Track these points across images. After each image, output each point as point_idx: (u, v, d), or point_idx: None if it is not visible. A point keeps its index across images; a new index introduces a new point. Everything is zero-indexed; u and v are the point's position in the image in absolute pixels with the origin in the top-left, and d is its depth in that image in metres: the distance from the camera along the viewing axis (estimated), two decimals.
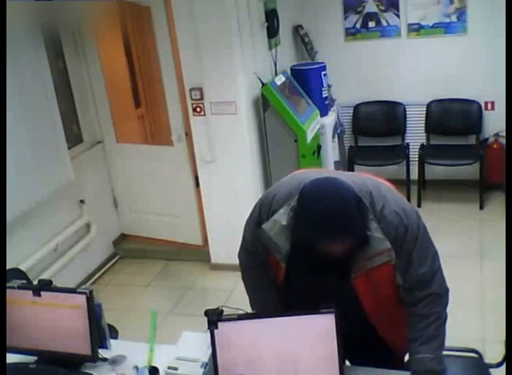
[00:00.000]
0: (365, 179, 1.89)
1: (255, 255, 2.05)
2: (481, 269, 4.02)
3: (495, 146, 5.09)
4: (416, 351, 1.86)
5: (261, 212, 1.94)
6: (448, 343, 2.50)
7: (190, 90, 4.10)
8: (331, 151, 4.79)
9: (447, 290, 1.91)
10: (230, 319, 1.88)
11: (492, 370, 2.37)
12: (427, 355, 1.83)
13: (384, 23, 5.17)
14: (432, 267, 1.85)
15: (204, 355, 1.97)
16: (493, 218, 4.71)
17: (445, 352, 2.37)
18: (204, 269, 4.58)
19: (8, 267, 2.72)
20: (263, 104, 4.19)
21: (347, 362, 2.11)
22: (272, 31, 4.47)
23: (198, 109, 4.13)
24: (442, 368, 1.85)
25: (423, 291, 1.85)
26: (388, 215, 1.78)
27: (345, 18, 5.26)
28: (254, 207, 2.02)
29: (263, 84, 4.14)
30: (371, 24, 5.20)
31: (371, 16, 5.18)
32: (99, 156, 4.80)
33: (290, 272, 1.94)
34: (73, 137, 4.54)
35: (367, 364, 2.02)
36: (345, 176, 1.82)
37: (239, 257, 2.17)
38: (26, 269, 3.52)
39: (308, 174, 1.89)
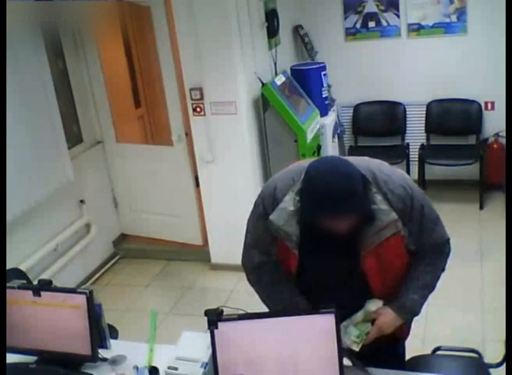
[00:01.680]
0: (366, 159, 1.97)
1: (264, 252, 2.04)
2: (481, 269, 4.01)
3: (495, 146, 5.09)
4: (410, 291, 1.95)
5: (265, 206, 1.94)
6: (448, 343, 2.51)
7: (190, 90, 4.10)
8: (331, 151, 4.79)
9: (448, 239, 2.01)
10: (230, 319, 1.88)
11: (492, 370, 2.37)
12: (418, 299, 1.95)
13: (384, 23, 5.17)
14: (440, 231, 1.97)
15: (204, 355, 1.97)
16: (493, 218, 4.71)
17: (445, 352, 2.38)
18: (204, 269, 4.58)
19: (8, 267, 2.72)
20: (263, 104, 4.19)
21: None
22: (272, 31, 4.47)
23: (198, 109, 4.13)
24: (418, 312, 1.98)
25: (434, 252, 1.97)
26: (394, 189, 1.85)
27: (345, 18, 5.26)
28: (255, 204, 2.02)
29: (263, 84, 4.14)
30: (371, 24, 5.20)
31: (371, 16, 5.18)
32: (99, 156, 4.80)
33: (302, 258, 1.94)
34: (73, 137, 4.54)
35: (368, 362, 2.03)
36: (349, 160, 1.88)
37: (244, 258, 2.13)
38: (26, 269, 3.52)
39: (306, 162, 1.92)
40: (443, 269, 2.02)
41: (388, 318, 1.95)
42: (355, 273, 1.94)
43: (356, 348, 1.93)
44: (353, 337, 1.92)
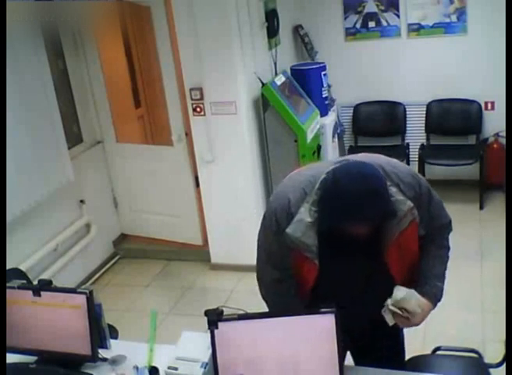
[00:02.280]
0: (370, 155, 1.98)
1: (278, 267, 2.00)
2: (481, 269, 4.01)
3: (495, 146, 5.09)
4: (435, 279, 2.01)
5: (278, 220, 1.91)
6: (448, 343, 2.51)
7: (190, 90, 4.10)
8: (331, 151, 4.79)
9: (451, 220, 2.09)
10: (230, 319, 1.88)
11: (492, 370, 2.37)
12: (441, 286, 2.02)
13: (384, 23, 5.17)
14: (445, 213, 2.06)
15: (204, 355, 1.97)
16: (493, 218, 4.71)
17: (445, 352, 2.38)
18: (204, 269, 4.58)
19: (8, 267, 2.72)
20: (263, 104, 4.19)
21: (349, 355, 2.12)
22: (272, 31, 4.47)
23: (198, 109, 4.13)
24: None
25: (441, 234, 2.06)
26: (403, 178, 1.89)
27: (345, 18, 5.26)
28: (265, 218, 1.99)
29: (263, 84, 4.14)
30: (371, 24, 5.20)
31: (371, 16, 5.18)
32: (99, 156, 4.80)
33: (323, 267, 1.94)
34: (73, 137, 4.54)
35: (370, 361, 2.03)
36: (353, 157, 1.90)
37: (259, 274, 2.09)
38: (26, 269, 3.52)
39: (311, 170, 1.94)
40: (449, 247, 2.09)
41: (428, 310, 1.99)
42: (378, 266, 1.96)
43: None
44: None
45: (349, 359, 2.27)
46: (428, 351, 2.51)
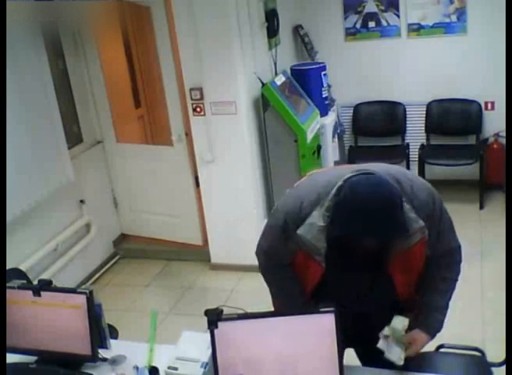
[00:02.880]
0: (384, 166, 1.96)
1: (273, 258, 2.05)
2: (481, 269, 4.01)
3: (495, 146, 5.09)
4: (436, 312, 2.01)
5: (288, 220, 1.92)
6: (449, 342, 2.51)
7: (190, 90, 4.10)
8: (331, 151, 4.79)
9: (460, 246, 2.08)
10: (230, 319, 1.88)
11: (494, 369, 2.37)
12: (443, 318, 2.02)
13: (384, 23, 5.17)
14: (454, 236, 2.03)
15: (204, 355, 1.97)
16: (493, 218, 4.71)
17: (448, 350, 2.38)
18: (204, 269, 4.58)
19: (8, 267, 2.72)
20: (263, 104, 4.19)
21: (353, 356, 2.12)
22: (272, 31, 4.47)
23: (198, 109, 4.13)
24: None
25: (449, 257, 2.04)
26: (418, 192, 1.88)
27: (345, 18, 5.26)
28: (275, 215, 2.01)
29: (263, 84, 4.14)
30: (371, 24, 5.20)
31: (371, 15, 5.18)
32: (99, 156, 4.80)
33: (328, 270, 1.95)
34: (73, 137, 4.54)
35: (374, 360, 2.04)
36: (371, 167, 1.88)
37: (258, 255, 2.14)
38: (26, 269, 3.51)
39: (331, 173, 1.93)
40: (457, 279, 2.08)
41: (424, 342, 2.01)
42: (381, 277, 1.98)
43: (401, 363, 1.96)
44: (401, 355, 1.96)
45: (347, 360, 2.27)
46: (431, 349, 2.51)
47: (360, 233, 1.73)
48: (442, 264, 2.02)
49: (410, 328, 1.98)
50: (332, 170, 2.00)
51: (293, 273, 2.05)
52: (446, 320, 2.04)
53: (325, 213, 1.83)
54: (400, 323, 1.96)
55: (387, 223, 1.71)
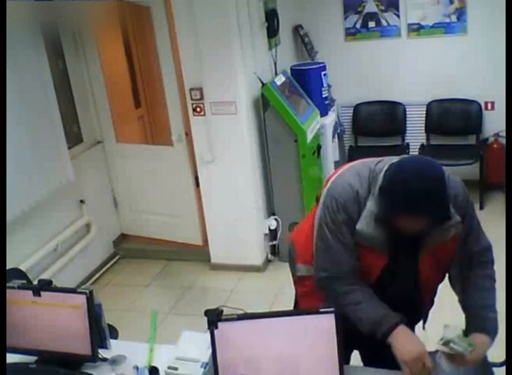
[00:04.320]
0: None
1: (353, 267, 1.96)
2: None
3: (495, 146, 5.09)
4: (490, 312, 1.94)
5: (350, 213, 1.89)
6: None
7: (190, 90, 4.10)
8: (331, 151, 4.79)
9: (491, 245, 2.05)
10: (230, 319, 1.88)
11: (495, 369, 2.37)
12: (496, 317, 1.95)
13: (384, 23, 5.17)
14: (484, 236, 2.02)
15: (204, 355, 1.97)
16: (493, 218, 4.68)
17: None
18: (204, 269, 4.58)
19: (8, 267, 2.72)
20: (263, 104, 4.19)
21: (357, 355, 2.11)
22: (272, 31, 4.47)
23: (198, 109, 4.13)
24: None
25: (483, 256, 2.02)
26: (455, 187, 1.90)
27: (345, 18, 5.26)
28: (330, 212, 1.92)
29: (263, 84, 4.14)
30: (371, 24, 5.20)
31: (371, 15, 5.18)
32: (99, 156, 4.80)
33: (389, 261, 1.94)
34: (73, 137, 4.54)
35: (379, 360, 2.04)
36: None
37: (325, 285, 2.02)
38: (26, 269, 3.51)
39: (372, 163, 1.93)
40: (495, 280, 2.05)
41: (486, 346, 1.90)
42: (409, 269, 1.97)
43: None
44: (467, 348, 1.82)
45: (352, 360, 2.28)
46: (431, 350, 2.51)
47: (403, 208, 1.73)
48: (478, 262, 2.00)
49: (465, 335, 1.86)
50: (375, 161, 1.96)
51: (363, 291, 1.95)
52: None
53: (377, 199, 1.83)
54: (451, 332, 1.83)
55: (434, 203, 1.72)
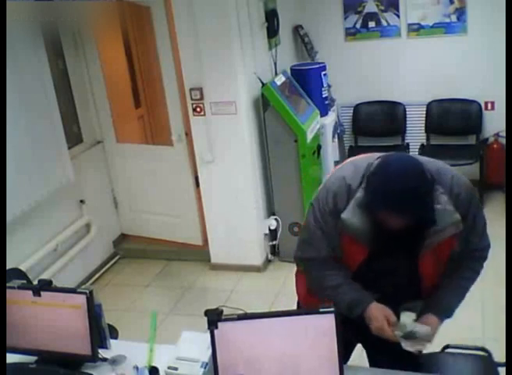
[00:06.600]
0: (427, 158, 2.00)
1: (321, 248, 2.02)
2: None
3: (495, 146, 5.09)
4: (452, 297, 2.03)
5: (338, 203, 1.93)
6: (451, 342, 2.50)
7: (190, 90, 4.10)
8: (331, 151, 4.79)
9: (490, 244, 2.07)
10: (230, 319, 1.88)
11: (500, 369, 2.37)
12: (456, 304, 2.04)
13: (384, 23, 5.17)
14: (486, 236, 2.04)
15: (204, 355, 1.97)
16: (493, 218, 4.66)
17: (454, 350, 2.38)
18: (204, 269, 4.58)
19: (8, 267, 2.73)
20: (263, 104, 4.20)
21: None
22: (272, 31, 4.47)
23: (198, 109, 4.13)
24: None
25: (479, 252, 2.05)
26: (458, 185, 1.91)
27: (345, 18, 5.26)
28: (320, 201, 1.99)
29: (263, 84, 4.15)
30: (371, 24, 5.20)
31: (371, 16, 5.18)
32: (99, 156, 4.80)
33: (370, 253, 1.97)
34: (73, 137, 4.54)
35: (385, 358, 2.05)
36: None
37: (303, 260, 2.12)
38: (26, 269, 3.51)
39: (370, 158, 1.94)
40: (479, 274, 2.09)
41: (435, 325, 2.00)
42: (410, 266, 1.99)
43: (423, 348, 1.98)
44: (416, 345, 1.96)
45: (353, 360, 2.28)
46: (436, 350, 2.51)
47: (385, 207, 1.76)
48: (473, 257, 2.04)
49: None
50: (374, 155, 1.99)
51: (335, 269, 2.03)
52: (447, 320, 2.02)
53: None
54: (407, 317, 1.97)
55: (412, 201, 1.73)
